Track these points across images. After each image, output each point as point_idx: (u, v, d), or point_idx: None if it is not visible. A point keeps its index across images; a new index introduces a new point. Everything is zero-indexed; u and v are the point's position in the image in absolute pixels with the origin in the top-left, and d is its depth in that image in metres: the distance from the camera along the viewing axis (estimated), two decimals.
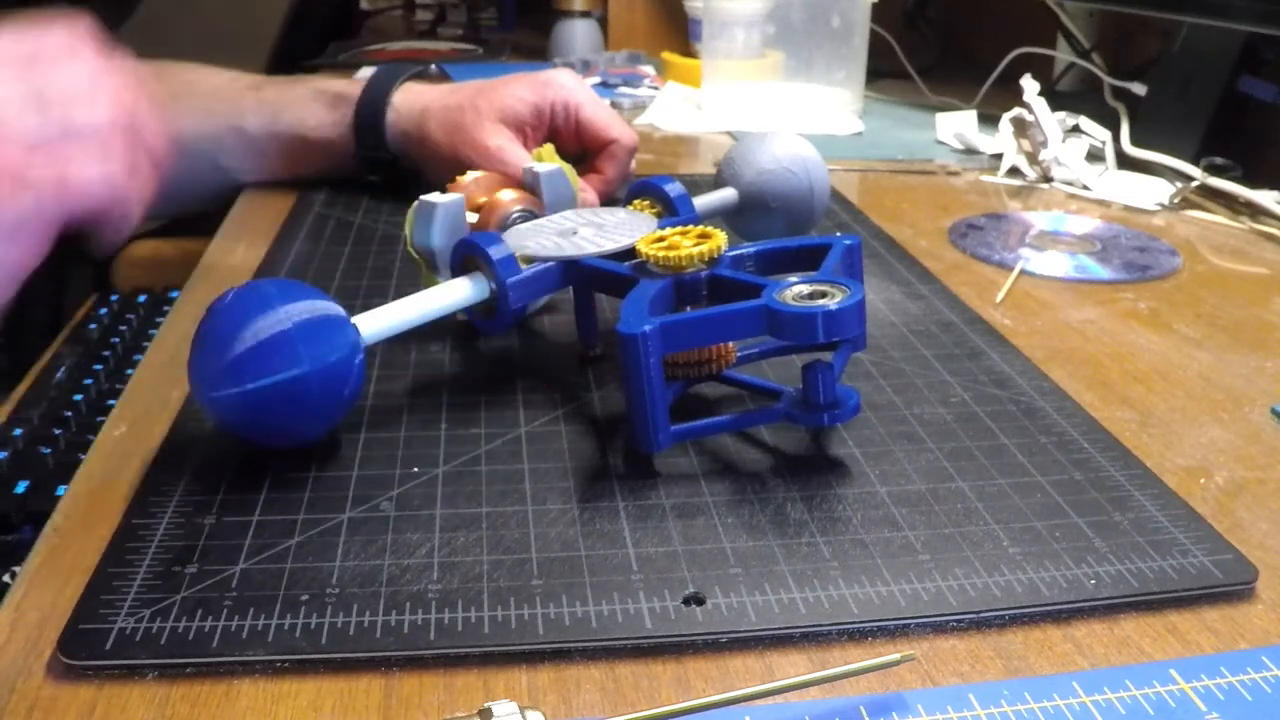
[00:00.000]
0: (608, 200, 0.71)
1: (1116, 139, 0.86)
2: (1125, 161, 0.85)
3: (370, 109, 0.73)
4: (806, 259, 0.47)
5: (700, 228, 0.47)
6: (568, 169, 0.57)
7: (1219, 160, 0.80)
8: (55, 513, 0.39)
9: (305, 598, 0.34)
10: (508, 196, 0.54)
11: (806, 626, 0.34)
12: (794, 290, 0.40)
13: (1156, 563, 0.36)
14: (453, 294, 0.46)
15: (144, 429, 0.45)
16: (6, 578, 0.53)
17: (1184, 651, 0.33)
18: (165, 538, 0.37)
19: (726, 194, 0.60)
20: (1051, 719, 0.30)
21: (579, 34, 1.30)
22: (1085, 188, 0.82)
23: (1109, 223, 0.74)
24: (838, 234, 0.55)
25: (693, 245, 0.45)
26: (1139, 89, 0.94)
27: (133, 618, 0.33)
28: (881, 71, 1.17)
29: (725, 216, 0.60)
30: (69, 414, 0.67)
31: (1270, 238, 0.73)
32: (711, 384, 0.48)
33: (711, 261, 0.45)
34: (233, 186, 0.77)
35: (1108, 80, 0.99)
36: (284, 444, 0.42)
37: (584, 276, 0.48)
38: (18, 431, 0.65)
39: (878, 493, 0.41)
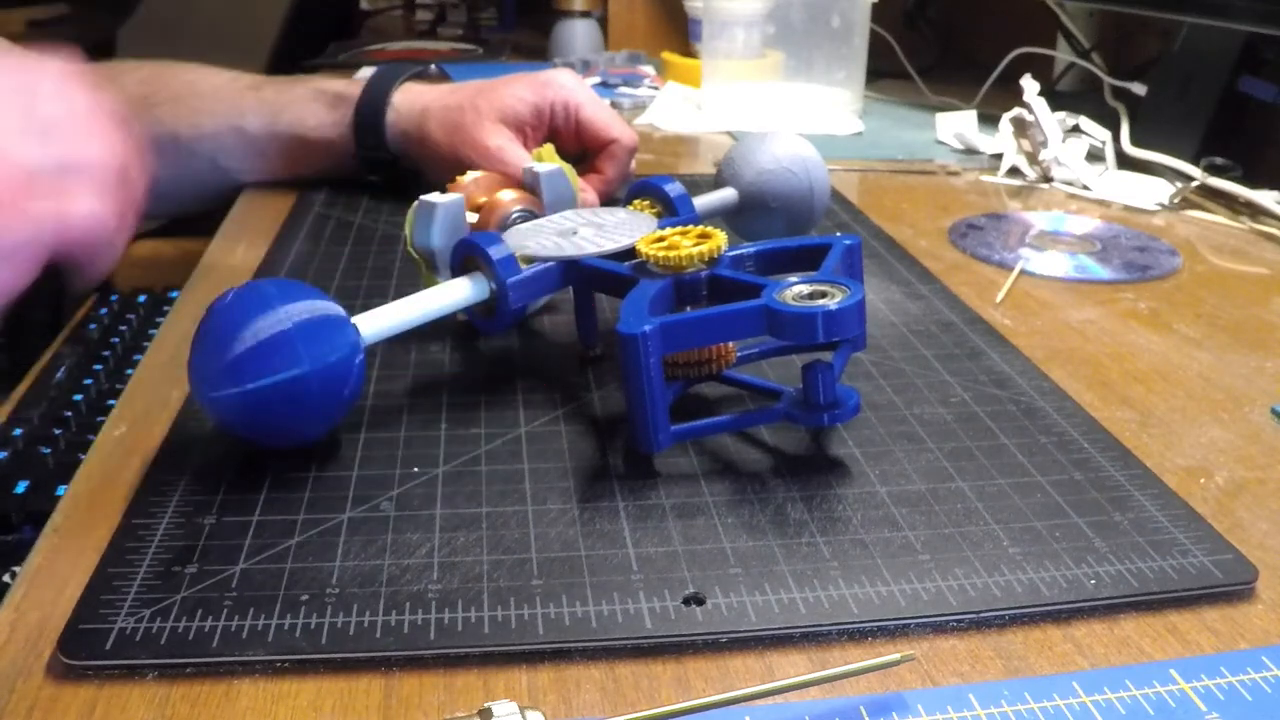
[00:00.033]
0: (608, 200, 0.71)
1: (1116, 139, 0.86)
2: (1125, 161, 0.85)
3: (370, 109, 0.73)
4: (806, 259, 0.47)
5: (700, 228, 0.47)
6: (568, 169, 0.57)
7: (1219, 160, 0.80)
8: (55, 513, 0.39)
9: (305, 598, 0.34)
10: (508, 196, 0.54)
11: (806, 626, 0.34)
12: (794, 290, 0.40)
13: (1156, 563, 0.37)
14: (453, 294, 0.46)
15: (144, 429, 0.45)
16: (6, 578, 0.53)
17: (1184, 651, 0.33)
18: (165, 538, 0.37)
19: (726, 194, 0.60)
20: (1051, 719, 0.30)
21: (579, 34, 1.30)
22: (1085, 188, 0.82)
23: (1109, 223, 0.74)
24: (838, 234, 0.55)
25: (693, 245, 0.45)
26: (1139, 89, 0.94)
27: (133, 618, 0.33)
28: (881, 71, 1.17)
29: (725, 216, 0.60)
30: (69, 414, 0.67)
31: (1270, 238, 0.73)
32: (711, 384, 0.48)
33: (711, 261, 0.45)
34: (233, 186, 0.77)
35: (1108, 80, 0.99)
36: (284, 444, 0.42)
37: (584, 276, 0.48)
38: (18, 431, 0.65)
39: (878, 493, 0.41)
